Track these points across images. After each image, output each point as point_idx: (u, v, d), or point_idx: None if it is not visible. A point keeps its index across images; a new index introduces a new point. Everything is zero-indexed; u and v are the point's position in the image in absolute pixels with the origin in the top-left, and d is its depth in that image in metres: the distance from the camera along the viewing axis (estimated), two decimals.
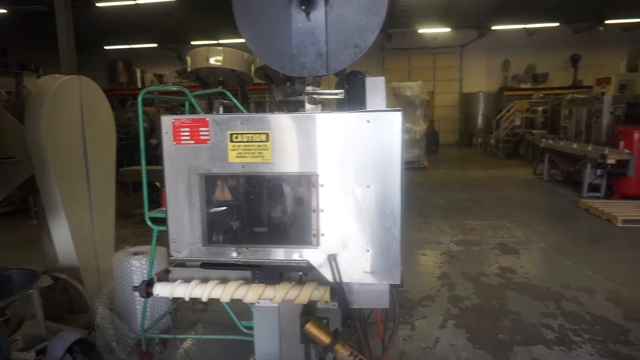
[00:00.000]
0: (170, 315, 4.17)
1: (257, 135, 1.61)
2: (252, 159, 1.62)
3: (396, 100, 13.61)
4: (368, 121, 1.57)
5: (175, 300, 4.33)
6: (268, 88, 10.33)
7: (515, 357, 3.49)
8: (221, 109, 1.64)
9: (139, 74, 21.31)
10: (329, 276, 1.66)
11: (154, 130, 8.99)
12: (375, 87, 1.81)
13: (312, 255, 1.67)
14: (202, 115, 1.62)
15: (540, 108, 15.71)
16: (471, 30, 19.67)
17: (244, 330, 3.59)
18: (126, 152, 8.60)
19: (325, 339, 1.65)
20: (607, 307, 4.30)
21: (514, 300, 4.51)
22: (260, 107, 14.86)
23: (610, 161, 8.08)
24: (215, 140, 1.63)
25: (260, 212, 1.76)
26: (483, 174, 12.59)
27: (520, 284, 4.90)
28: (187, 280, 1.86)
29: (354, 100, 1.79)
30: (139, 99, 3.40)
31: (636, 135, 8.23)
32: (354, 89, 1.84)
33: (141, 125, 3.39)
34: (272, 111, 1.88)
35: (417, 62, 21.47)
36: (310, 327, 1.66)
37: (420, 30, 19.36)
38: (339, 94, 1.80)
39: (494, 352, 3.56)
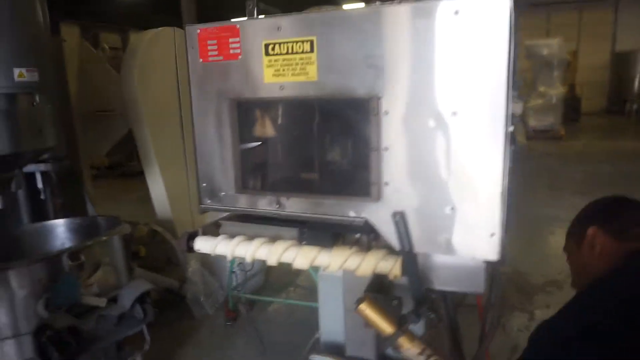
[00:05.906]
0: (261, 274, 4.07)
1: (299, 44, 1.17)
2: (292, 78, 1.20)
3: (529, 60, 11.94)
4: (456, 12, 1.04)
5: None
6: None
7: None
8: (255, 11, 1.23)
9: None
10: (393, 241, 1.19)
11: None
12: None
13: (371, 212, 1.21)
14: (230, 22, 1.23)
15: None
16: None
17: None
18: None
19: (385, 326, 1.20)
20: None
21: None
22: None
23: None
24: (248, 54, 1.24)
25: (302, 151, 1.34)
26: (639, 146, 10.52)
27: None
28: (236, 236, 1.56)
29: None
30: None
31: None
32: None
33: None
34: None
35: (557, 19, 18.65)
36: (365, 309, 1.22)
37: None
38: None
39: None
